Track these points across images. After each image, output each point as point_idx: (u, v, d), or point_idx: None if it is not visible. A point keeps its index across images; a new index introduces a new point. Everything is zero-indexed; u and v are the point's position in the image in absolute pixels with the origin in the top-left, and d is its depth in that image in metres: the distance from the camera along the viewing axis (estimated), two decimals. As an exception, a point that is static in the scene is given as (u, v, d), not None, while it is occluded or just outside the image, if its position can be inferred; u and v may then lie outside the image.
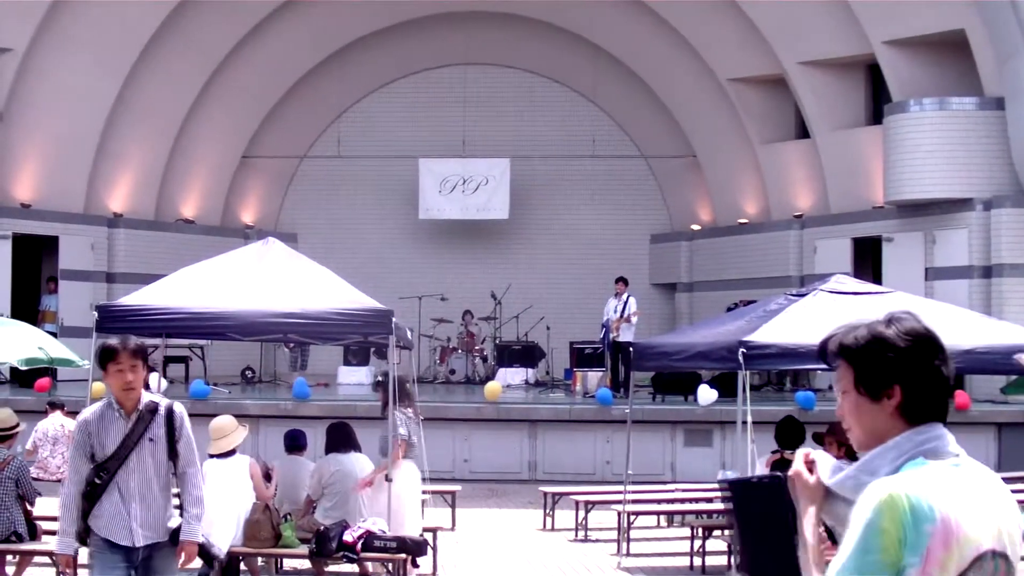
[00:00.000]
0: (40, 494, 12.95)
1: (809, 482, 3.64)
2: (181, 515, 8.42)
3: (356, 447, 13.55)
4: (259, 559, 13.18)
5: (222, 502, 12.42)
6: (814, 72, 28.75)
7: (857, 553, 3.19)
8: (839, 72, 28.73)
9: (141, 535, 8.25)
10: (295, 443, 13.98)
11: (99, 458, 8.23)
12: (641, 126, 34.83)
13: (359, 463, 13.32)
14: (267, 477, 13.25)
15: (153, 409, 8.33)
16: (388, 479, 12.79)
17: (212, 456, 12.63)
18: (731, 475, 14.51)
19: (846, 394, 3.61)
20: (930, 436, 3.42)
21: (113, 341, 8.32)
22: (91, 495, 8.23)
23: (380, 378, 13.92)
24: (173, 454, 8.36)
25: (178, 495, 8.57)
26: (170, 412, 8.37)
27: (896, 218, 26.73)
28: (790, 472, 3.71)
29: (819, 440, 13.79)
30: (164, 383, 19.46)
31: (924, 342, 3.51)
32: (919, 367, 3.46)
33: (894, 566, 3.16)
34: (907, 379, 3.45)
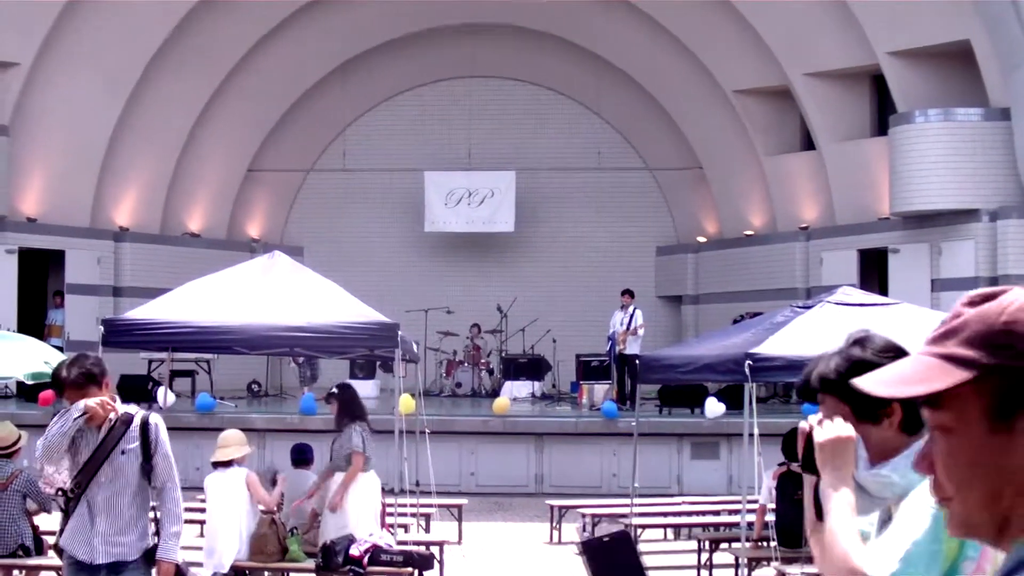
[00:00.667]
0: (55, 499, 12.92)
1: (852, 451, 3.59)
2: (158, 533, 7.96)
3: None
4: (265, 573, 13.17)
5: (224, 515, 12.42)
6: (819, 83, 28.74)
7: (926, 541, 3.31)
8: (844, 83, 28.73)
9: (103, 551, 7.79)
10: (301, 457, 13.96)
11: (71, 470, 7.82)
12: (646, 138, 34.83)
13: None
14: (274, 482, 13.28)
15: (127, 420, 7.86)
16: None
17: (213, 465, 12.68)
18: (587, 536, 14.60)
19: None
20: None
21: (62, 372, 7.80)
22: (63, 511, 7.88)
23: (334, 390, 13.88)
24: (149, 468, 7.86)
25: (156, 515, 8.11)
26: (145, 423, 7.88)
27: (902, 229, 26.71)
28: (826, 434, 3.55)
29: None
30: (172, 396, 19.48)
31: (901, 354, 3.46)
32: None
33: (953, 558, 3.29)
34: None
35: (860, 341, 3.61)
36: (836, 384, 3.56)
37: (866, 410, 3.53)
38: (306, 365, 28.13)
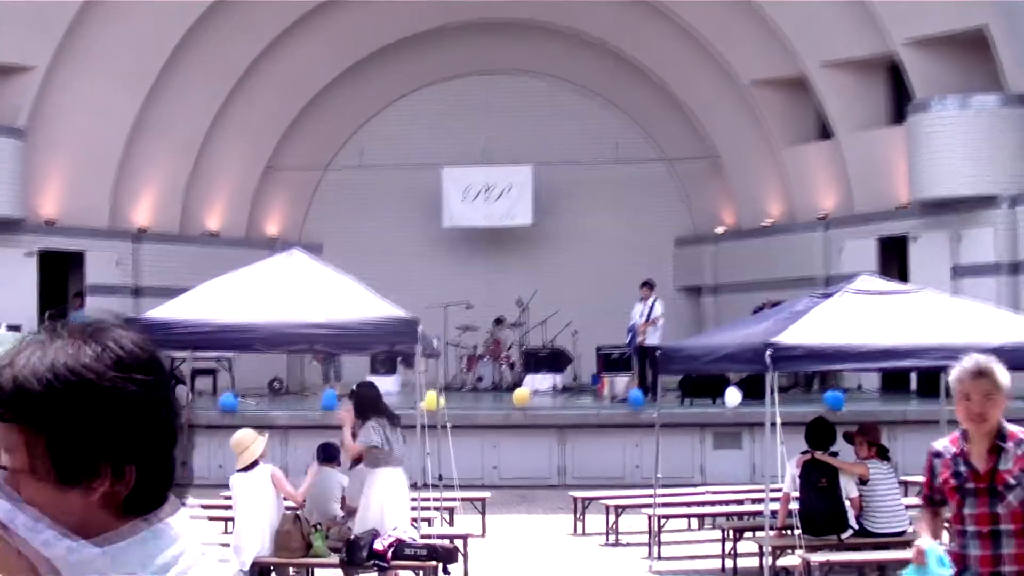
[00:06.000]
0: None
1: None
2: None
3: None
4: (291, 569, 13.20)
5: (249, 513, 12.45)
6: (835, 73, 28.70)
7: None
8: (860, 72, 28.68)
9: None
10: (327, 455, 13.97)
11: None
12: (663, 130, 34.79)
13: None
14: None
15: None
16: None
17: (238, 471, 12.69)
18: None
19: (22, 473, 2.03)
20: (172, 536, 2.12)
21: None
22: None
23: (355, 387, 13.87)
24: None
25: None
26: None
27: (921, 217, 26.66)
28: None
29: (849, 440, 13.78)
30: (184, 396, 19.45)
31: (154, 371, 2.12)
32: (148, 418, 2.07)
33: None
34: (136, 445, 2.05)
35: (95, 332, 2.10)
36: (30, 399, 2.02)
37: (64, 458, 2.03)
38: (329, 362, 28.17)
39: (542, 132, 34.65)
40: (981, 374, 6.33)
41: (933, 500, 6.68)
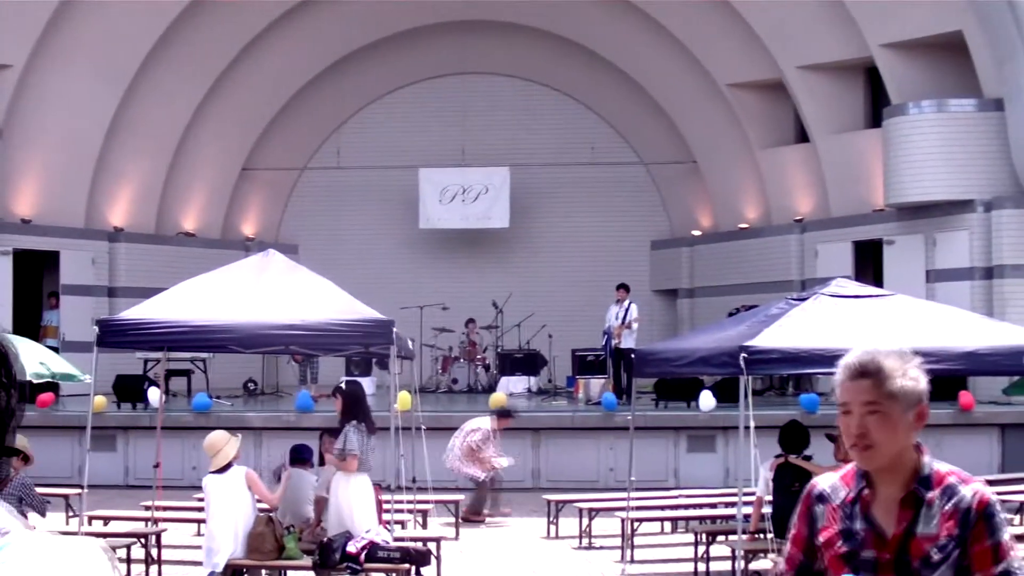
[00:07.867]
0: (49, 502, 12.88)
1: None
2: None
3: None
4: (263, 572, 13.16)
5: (222, 515, 12.41)
6: (813, 76, 28.75)
7: None
8: (837, 76, 28.74)
9: None
10: (299, 456, 13.94)
11: None
12: (640, 133, 34.83)
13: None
14: (278, 477, 13.30)
15: None
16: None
17: (211, 472, 12.65)
18: None
19: None
20: None
21: None
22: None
23: (342, 384, 13.83)
24: None
25: None
26: None
27: (896, 221, 26.72)
28: None
29: (833, 440, 13.78)
30: (155, 394, 19.41)
31: None
32: None
33: None
34: None
35: None
36: None
37: None
38: (306, 364, 28.11)
39: (519, 134, 34.70)
40: (863, 374, 3.89)
41: (807, 570, 4.09)
